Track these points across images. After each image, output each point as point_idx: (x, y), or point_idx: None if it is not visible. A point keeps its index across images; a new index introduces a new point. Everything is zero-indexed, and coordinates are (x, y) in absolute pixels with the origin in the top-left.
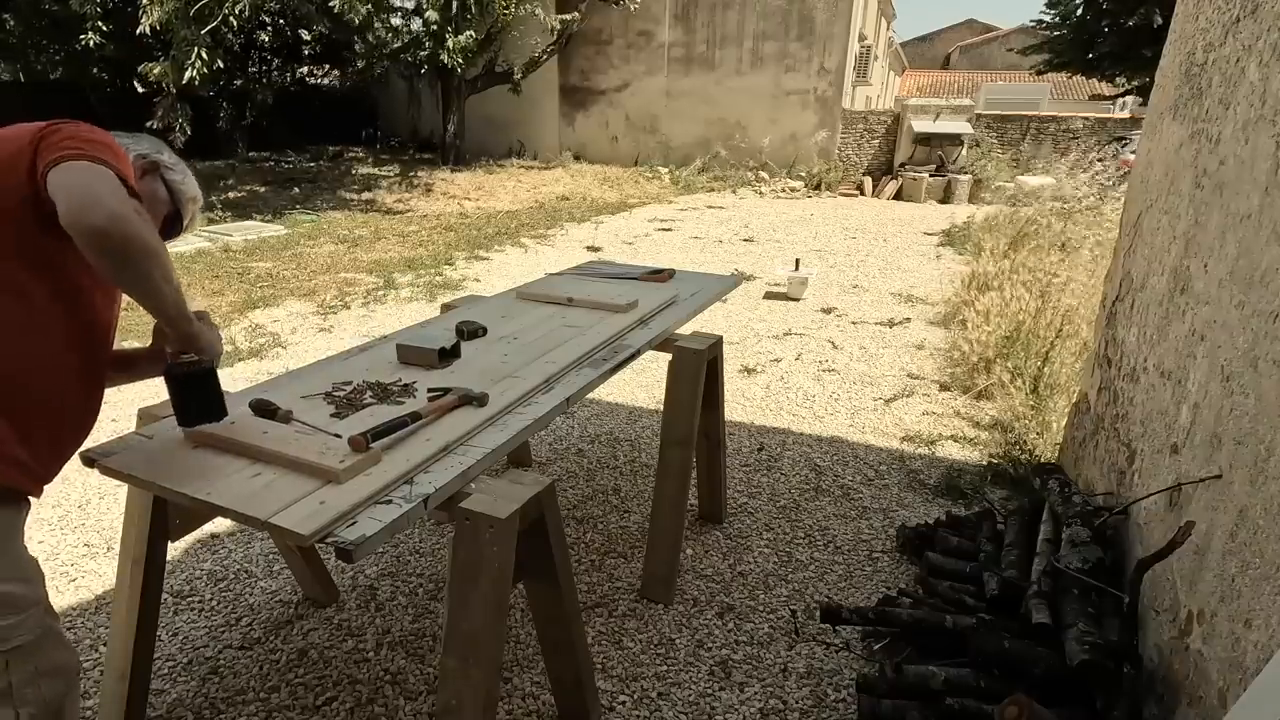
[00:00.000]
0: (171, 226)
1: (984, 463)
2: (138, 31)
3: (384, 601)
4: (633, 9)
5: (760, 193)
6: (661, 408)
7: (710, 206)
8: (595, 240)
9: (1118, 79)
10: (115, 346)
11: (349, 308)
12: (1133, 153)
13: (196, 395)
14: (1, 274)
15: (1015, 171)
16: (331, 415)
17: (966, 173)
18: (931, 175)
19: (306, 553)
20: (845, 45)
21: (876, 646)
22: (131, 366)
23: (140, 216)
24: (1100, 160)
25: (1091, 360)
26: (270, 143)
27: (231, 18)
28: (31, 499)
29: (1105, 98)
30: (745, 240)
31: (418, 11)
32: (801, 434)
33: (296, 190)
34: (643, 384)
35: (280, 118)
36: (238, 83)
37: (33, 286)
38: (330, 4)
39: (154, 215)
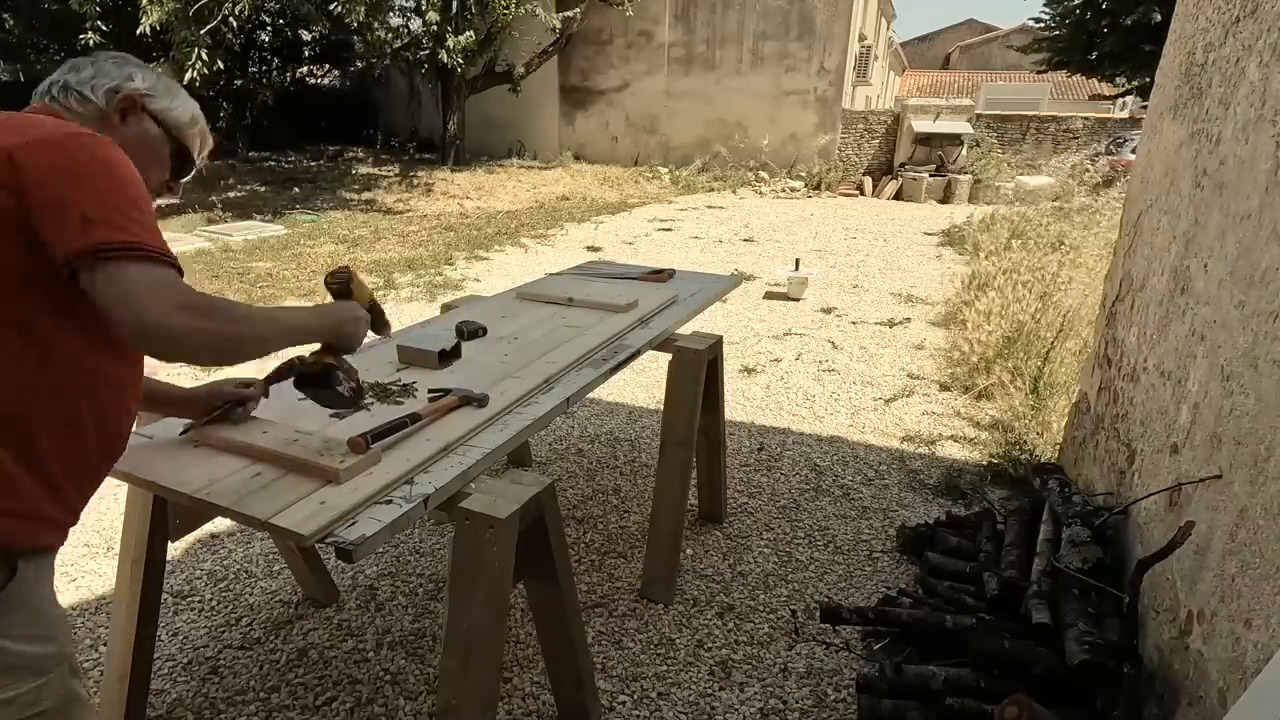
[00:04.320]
0: (180, 165)
1: (984, 463)
2: (138, 31)
3: (384, 601)
4: (629, 12)
5: (760, 193)
6: (661, 408)
7: (710, 206)
8: (595, 240)
9: (1118, 79)
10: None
11: None
12: (1133, 152)
13: (320, 393)
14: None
15: (1015, 171)
16: (331, 415)
17: (966, 173)
18: (931, 175)
19: (306, 553)
20: (845, 45)
21: (876, 646)
22: (159, 403)
23: (202, 305)
24: (1095, 159)
25: (1091, 360)
26: (270, 143)
27: (231, 18)
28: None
29: (1105, 98)
30: (745, 240)
31: (418, 11)
32: (801, 434)
33: (296, 190)
34: (643, 384)
35: (280, 118)
36: (238, 83)
37: (37, 319)
38: (331, 4)
39: (152, 162)
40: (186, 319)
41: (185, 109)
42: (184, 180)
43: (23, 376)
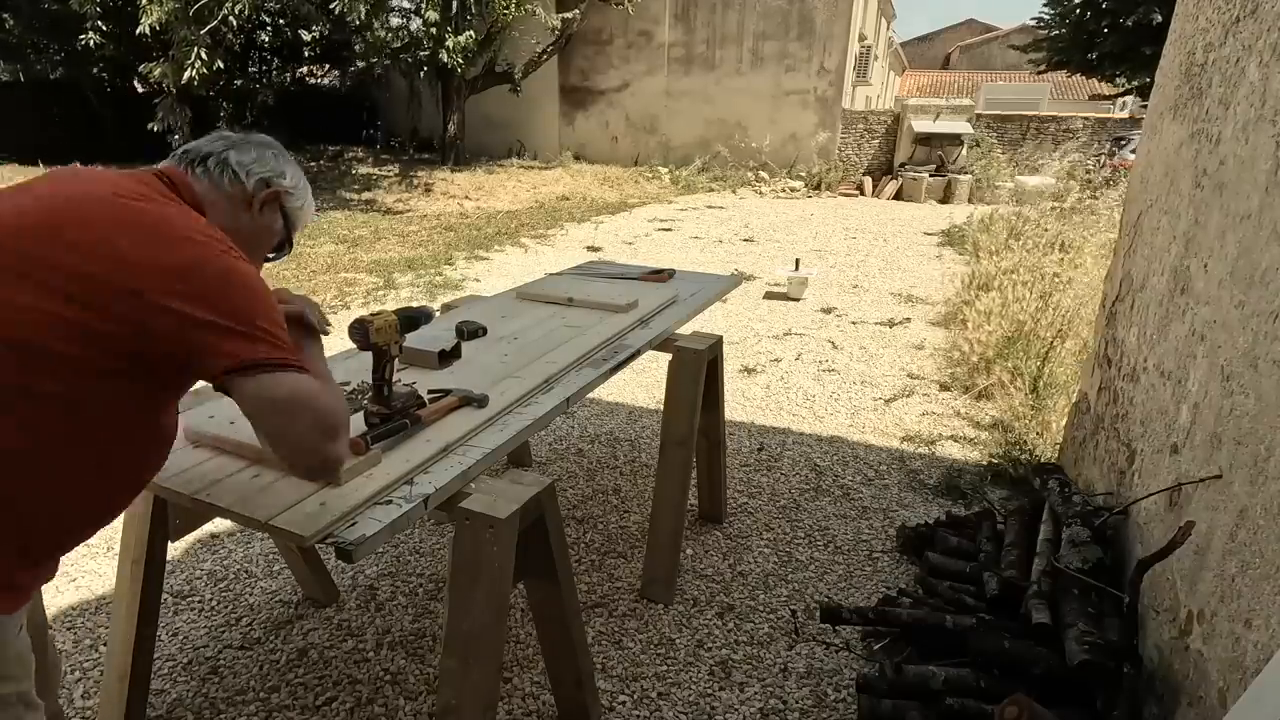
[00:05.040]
0: (279, 251)
1: (984, 463)
2: (138, 31)
3: (384, 601)
4: (630, 10)
5: (760, 193)
6: (661, 408)
7: (710, 206)
8: (595, 240)
9: (1118, 79)
10: None
11: (349, 308)
12: (1133, 152)
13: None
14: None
15: (1015, 171)
16: None
17: (966, 173)
18: (931, 175)
19: (306, 553)
20: (845, 45)
21: (876, 646)
22: None
23: (328, 400)
24: (1097, 159)
25: (1091, 360)
26: None
27: (231, 18)
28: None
29: (1105, 98)
30: (745, 240)
31: (418, 11)
32: (801, 434)
33: None
34: (643, 384)
35: (280, 118)
36: (238, 83)
37: (87, 401)
38: (331, 4)
39: (264, 248)
40: (332, 447)
41: (308, 210)
42: (273, 262)
43: (54, 457)
